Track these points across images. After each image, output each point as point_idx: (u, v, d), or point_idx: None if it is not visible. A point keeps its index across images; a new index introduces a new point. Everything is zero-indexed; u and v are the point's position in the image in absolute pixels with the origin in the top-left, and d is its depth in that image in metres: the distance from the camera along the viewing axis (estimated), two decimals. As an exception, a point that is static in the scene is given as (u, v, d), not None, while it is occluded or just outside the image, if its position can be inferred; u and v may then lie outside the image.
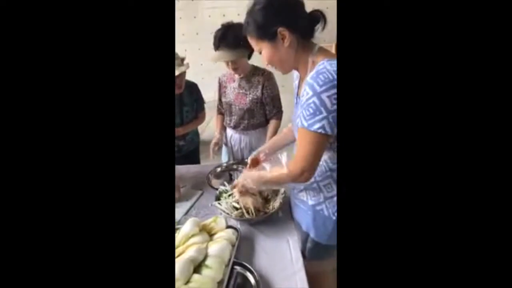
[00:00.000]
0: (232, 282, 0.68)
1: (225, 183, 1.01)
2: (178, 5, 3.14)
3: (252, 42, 0.71)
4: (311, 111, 0.62)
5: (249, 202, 0.87)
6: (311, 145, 0.64)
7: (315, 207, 0.76)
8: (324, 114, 0.60)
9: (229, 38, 1.10)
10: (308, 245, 0.82)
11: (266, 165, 0.82)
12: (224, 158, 1.47)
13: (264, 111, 1.30)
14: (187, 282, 0.63)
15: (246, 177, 0.82)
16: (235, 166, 1.23)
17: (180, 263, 0.65)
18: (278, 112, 1.31)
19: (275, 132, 1.29)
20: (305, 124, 0.63)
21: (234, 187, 0.89)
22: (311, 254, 0.82)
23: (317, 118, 0.61)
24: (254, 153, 0.98)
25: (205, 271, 0.67)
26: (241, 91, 1.27)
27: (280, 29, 0.65)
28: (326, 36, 0.78)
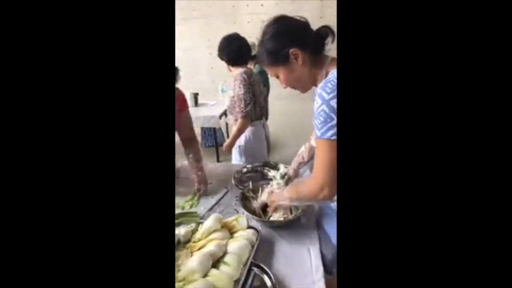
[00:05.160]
0: (248, 282, 0.67)
1: (250, 183, 1.02)
2: (218, 10, 3.35)
3: (268, 70, 0.75)
4: (322, 119, 0.61)
5: (281, 215, 0.88)
6: (327, 154, 0.62)
7: None
8: (336, 120, 0.59)
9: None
10: (334, 258, 0.78)
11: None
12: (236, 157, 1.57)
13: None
14: (205, 275, 0.64)
15: (279, 197, 0.84)
16: (259, 168, 1.24)
17: (199, 255, 0.67)
18: (240, 113, 1.46)
19: (238, 130, 1.49)
20: (318, 133, 0.62)
21: (267, 205, 0.90)
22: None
23: (329, 125, 0.60)
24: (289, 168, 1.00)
25: (223, 267, 0.68)
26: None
27: (291, 50, 0.67)
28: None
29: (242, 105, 1.43)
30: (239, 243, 0.74)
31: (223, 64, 1.56)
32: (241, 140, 1.53)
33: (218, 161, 2.81)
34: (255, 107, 1.49)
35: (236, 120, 1.52)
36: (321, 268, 0.72)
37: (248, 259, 0.71)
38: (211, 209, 1.01)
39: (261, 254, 0.77)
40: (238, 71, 1.47)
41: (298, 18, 0.71)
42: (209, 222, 0.79)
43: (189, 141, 1.22)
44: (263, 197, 0.93)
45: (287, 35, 0.69)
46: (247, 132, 1.52)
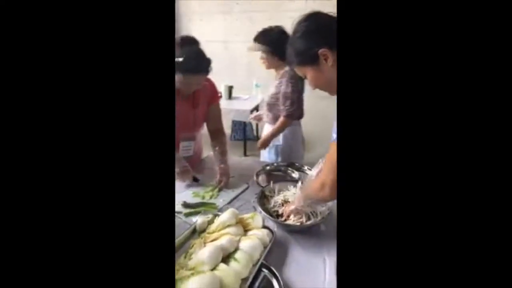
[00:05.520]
0: (257, 283, 0.66)
1: (271, 183, 0.99)
2: (262, 7, 3.34)
3: (297, 70, 0.72)
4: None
5: (297, 218, 0.85)
6: (335, 155, 0.58)
7: None
8: None
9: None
10: None
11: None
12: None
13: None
14: (214, 268, 0.64)
15: (296, 201, 0.82)
16: (283, 168, 1.21)
17: (211, 248, 0.67)
18: (284, 111, 1.37)
19: (277, 129, 1.40)
20: (334, 136, 0.60)
21: (288, 213, 0.87)
22: None
23: None
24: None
25: (232, 263, 0.67)
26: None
27: (321, 51, 0.64)
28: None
29: (288, 104, 1.34)
30: (252, 242, 0.72)
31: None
32: (279, 140, 1.46)
33: (245, 155, 2.83)
34: (297, 106, 1.40)
35: (273, 118, 1.44)
36: (334, 283, 0.68)
37: (259, 259, 0.70)
38: (229, 202, 1.01)
39: (273, 256, 0.75)
40: (285, 68, 1.38)
41: (332, 15, 0.66)
42: (225, 216, 0.79)
43: (217, 133, 1.24)
44: (278, 197, 0.91)
45: (318, 34, 0.66)
46: (286, 131, 1.44)
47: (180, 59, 0.95)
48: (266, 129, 1.51)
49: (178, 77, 1.00)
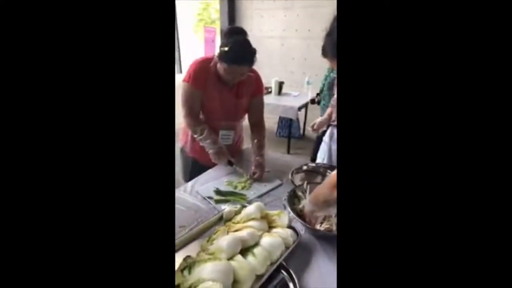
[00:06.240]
0: (274, 283, 0.63)
1: (305, 183, 0.94)
2: (304, 3, 3.20)
3: (332, 63, 0.72)
4: None
5: (325, 224, 0.80)
6: None
7: None
8: None
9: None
10: None
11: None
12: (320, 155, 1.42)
13: None
14: (231, 258, 0.64)
15: (309, 206, 0.79)
16: (322, 170, 1.13)
17: (231, 238, 0.67)
18: None
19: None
20: None
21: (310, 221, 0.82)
22: None
23: None
24: None
25: (249, 257, 0.66)
26: None
27: None
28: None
29: None
30: (273, 240, 0.70)
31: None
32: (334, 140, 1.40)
33: (288, 153, 2.78)
34: None
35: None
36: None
37: (278, 259, 0.67)
38: (260, 196, 1.00)
39: (295, 259, 0.71)
40: None
41: None
42: (251, 209, 0.78)
43: (257, 126, 1.23)
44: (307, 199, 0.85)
45: None
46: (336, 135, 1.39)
47: (226, 48, 0.96)
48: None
49: (222, 66, 1.02)
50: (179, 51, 7.83)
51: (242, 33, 1.00)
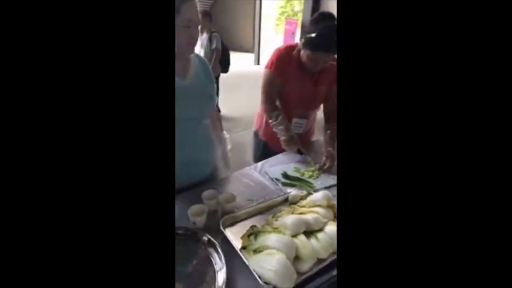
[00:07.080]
0: (333, 273, 0.63)
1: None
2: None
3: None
4: None
5: None
6: None
7: None
8: None
9: None
10: None
11: None
12: None
13: None
14: (294, 236, 0.66)
15: None
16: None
17: (295, 217, 0.69)
18: None
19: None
20: None
21: None
22: None
23: None
24: None
25: (313, 240, 0.66)
26: None
27: None
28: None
29: None
30: (339, 229, 0.68)
31: None
32: None
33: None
34: None
35: None
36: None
37: (341, 249, 0.65)
38: (327, 188, 0.98)
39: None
40: None
41: None
42: (318, 195, 0.78)
43: (332, 116, 1.19)
44: None
45: None
46: None
47: (312, 35, 0.96)
48: None
49: (306, 53, 1.01)
50: (259, 43, 8.12)
51: (331, 18, 0.97)
